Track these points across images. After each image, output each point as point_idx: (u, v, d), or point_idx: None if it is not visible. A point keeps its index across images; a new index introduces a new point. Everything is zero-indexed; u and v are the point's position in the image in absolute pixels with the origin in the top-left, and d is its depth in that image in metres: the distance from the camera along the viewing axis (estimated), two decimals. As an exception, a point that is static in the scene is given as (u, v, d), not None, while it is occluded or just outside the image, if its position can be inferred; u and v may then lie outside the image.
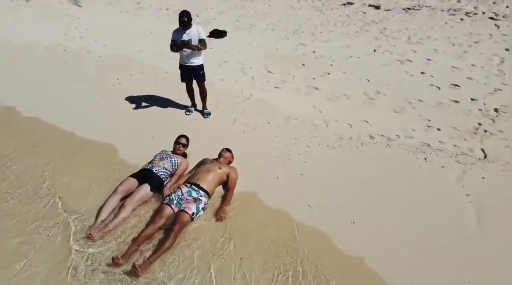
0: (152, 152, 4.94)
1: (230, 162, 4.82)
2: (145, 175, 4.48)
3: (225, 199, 4.29)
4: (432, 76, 6.87)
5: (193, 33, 5.47)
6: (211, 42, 8.97)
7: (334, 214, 4.11)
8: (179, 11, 5.59)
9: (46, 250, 3.78)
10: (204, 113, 6.03)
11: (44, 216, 4.19)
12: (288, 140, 5.32)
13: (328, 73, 7.18)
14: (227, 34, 9.29)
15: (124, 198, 4.27)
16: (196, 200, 4.10)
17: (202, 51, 5.64)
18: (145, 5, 11.81)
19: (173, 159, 4.72)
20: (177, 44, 5.45)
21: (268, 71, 7.37)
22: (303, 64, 7.59)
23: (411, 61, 7.49)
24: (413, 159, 4.86)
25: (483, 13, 9.70)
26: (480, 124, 5.47)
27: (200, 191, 4.20)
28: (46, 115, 6.21)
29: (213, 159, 4.75)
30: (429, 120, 5.61)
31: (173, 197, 4.13)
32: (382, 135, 5.33)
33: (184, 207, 4.01)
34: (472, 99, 6.08)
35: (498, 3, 10.12)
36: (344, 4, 10.94)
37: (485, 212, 4.01)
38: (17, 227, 4.06)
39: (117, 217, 4.05)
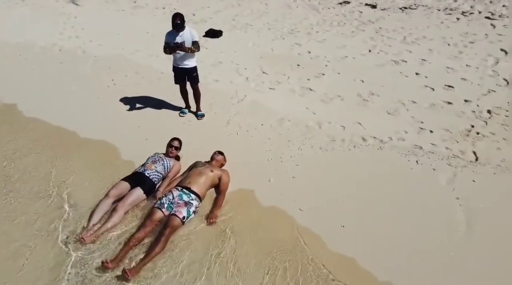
0: (145, 154, 4.98)
1: (222, 165, 4.84)
2: (137, 179, 4.50)
3: (216, 203, 4.31)
4: (426, 77, 6.87)
5: (186, 35, 5.47)
6: (207, 41, 8.98)
7: (325, 217, 4.15)
8: (175, 10, 5.59)
9: (37, 253, 3.80)
10: (198, 115, 6.04)
11: (37, 219, 4.22)
12: (281, 142, 5.34)
13: (323, 74, 7.18)
14: (223, 33, 9.26)
15: (116, 202, 4.30)
16: (187, 203, 4.13)
17: (196, 53, 5.64)
18: (142, 4, 11.76)
19: (165, 162, 4.74)
20: (170, 46, 5.45)
21: (263, 72, 7.37)
22: (298, 65, 7.58)
23: (406, 61, 7.48)
24: (405, 162, 4.88)
25: (480, 12, 9.67)
26: (472, 126, 5.49)
27: (191, 194, 4.23)
28: (40, 114, 6.24)
29: (205, 162, 4.77)
30: (422, 122, 5.62)
31: (164, 201, 4.15)
32: (374, 137, 5.34)
33: (175, 211, 4.04)
34: (466, 101, 6.09)
35: (494, 2, 10.09)
36: (340, 3, 10.91)
37: (474, 216, 4.04)
38: (11, 228, 4.10)
39: (109, 221, 4.08)
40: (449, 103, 6.06)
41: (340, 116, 5.86)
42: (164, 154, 4.90)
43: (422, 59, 7.52)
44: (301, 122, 5.75)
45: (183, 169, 4.86)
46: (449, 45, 8.10)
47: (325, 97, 6.41)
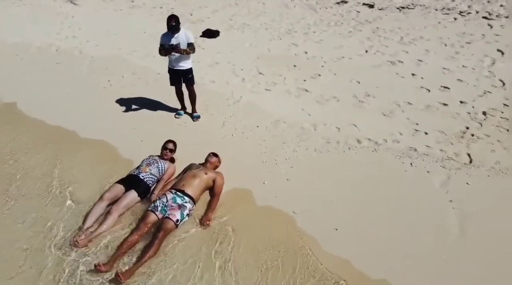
0: (141, 156, 5.00)
1: (216, 167, 4.85)
2: (131, 181, 4.51)
3: (210, 206, 4.32)
4: (422, 78, 6.88)
5: (182, 37, 5.47)
6: (204, 42, 8.98)
7: (318, 220, 4.16)
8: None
9: (33, 255, 3.82)
10: (194, 117, 6.04)
11: (34, 219, 4.25)
12: (276, 144, 5.35)
13: (319, 75, 7.18)
14: (220, 33, 9.25)
15: (110, 205, 4.30)
16: (181, 206, 4.14)
17: (191, 55, 5.64)
18: (139, 3, 11.75)
19: (160, 165, 4.75)
20: (165, 48, 5.45)
21: (259, 73, 7.37)
22: (295, 65, 7.58)
23: (402, 62, 7.49)
24: (399, 164, 4.89)
25: (477, 12, 9.67)
26: (467, 128, 5.50)
27: (185, 197, 4.24)
28: (36, 115, 6.28)
29: (199, 164, 4.78)
30: (417, 124, 5.63)
31: (158, 204, 4.16)
32: (369, 139, 5.35)
33: (168, 214, 4.05)
34: (461, 102, 6.10)
35: (492, 2, 10.09)
36: (338, 3, 10.90)
37: (467, 219, 4.05)
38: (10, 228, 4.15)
39: (103, 224, 4.09)
40: (445, 104, 6.06)
41: (336, 117, 5.87)
42: (159, 156, 4.90)
43: (419, 60, 7.52)
44: (297, 123, 5.75)
45: (178, 171, 4.87)
46: (445, 45, 8.11)
47: (320, 98, 6.42)
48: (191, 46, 5.51)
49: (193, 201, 4.28)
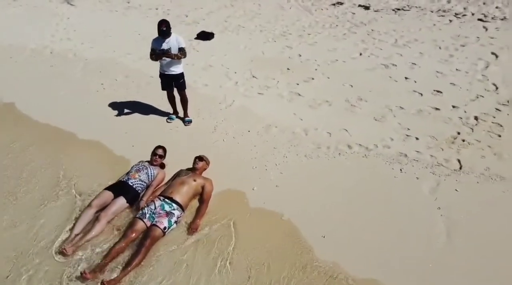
0: (131, 161, 5.03)
1: (205, 169, 4.84)
2: (120, 188, 4.51)
3: (198, 212, 4.32)
4: (415, 82, 6.87)
5: (173, 42, 5.46)
6: (199, 44, 8.97)
7: (306, 227, 4.15)
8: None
9: (17, 264, 3.82)
10: (185, 121, 6.04)
11: (18, 227, 4.25)
12: (266, 149, 5.35)
13: (312, 78, 7.17)
14: (215, 36, 9.24)
15: (99, 211, 4.30)
16: (169, 214, 4.14)
17: (183, 59, 5.63)
18: (135, 5, 11.72)
19: (149, 171, 4.75)
20: (156, 53, 5.45)
21: (253, 76, 7.36)
22: (288, 69, 7.57)
23: (396, 65, 7.47)
24: (389, 170, 4.89)
25: (473, 14, 9.65)
26: (458, 133, 5.49)
27: (173, 204, 4.24)
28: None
29: (188, 169, 4.77)
30: (408, 129, 5.63)
31: (146, 211, 4.17)
32: (360, 144, 5.35)
33: (156, 221, 4.05)
34: (453, 107, 6.09)
35: (488, 3, 10.07)
36: (334, 4, 10.88)
37: (455, 227, 4.05)
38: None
39: (91, 231, 4.09)
40: (437, 109, 6.06)
41: (327, 122, 5.86)
42: (148, 162, 4.90)
43: (412, 63, 7.51)
44: (288, 128, 5.75)
45: (167, 177, 4.87)
46: (440, 48, 8.09)
47: (313, 102, 6.41)
48: (182, 51, 5.50)
49: (182, 208, 4.28)
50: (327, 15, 10.26)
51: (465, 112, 5.95)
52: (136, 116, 6.28)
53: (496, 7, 9.88)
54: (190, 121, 6.03)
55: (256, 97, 6.69)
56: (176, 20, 10.36)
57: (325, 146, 5.36)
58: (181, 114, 6.17)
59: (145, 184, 4.66)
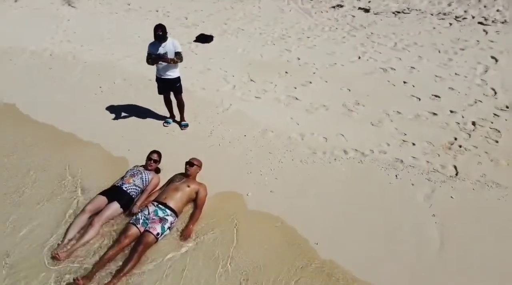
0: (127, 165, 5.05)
1: (198, 172, 4.81)
2: (114, 193, 4.51)
3: (192, 218, 4.32)
4: (413, 86, 6.84)
5: (169, 46, 5.46)
6: (197, 47, 8.97)
7: (299, 232, 4.14)
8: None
9: (10, 269, 3.83)
10: (182, 125, 6.04)
11: (22, 224, 4.30)
12: (262, 154, 5.34)
13: (310, 82, 7.16)
14: (214, 38, 9.24)
15: (93, 216, 4.31)
16: (162, 220, 4.13)
17: (179, 63, 5.63)
18: (135, 7, 11.74)
19: (144, 175, 4.75)
20: (152, 57, 5.45)
21: (250, 80, 7.35)
22: (286, 72, 7.56)
23: (394, 69, 7.45)
24: (384, 176, 4.86)
25: (473, 17, 9.61)
26: (455, 139, 5.46)
27: (167, 210, 4.23)
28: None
29: (182, 174, 4.75)
30: (405, 134, 5.60)
31: (140, 217, 4.17)
32: (356, 149, 5.33)
33: (149, 227, 4.05)
34: (451, 112, 6.06)
35: (488, 7, 10.01)
36: (334, 7, 10.85)
37: (449, 235, 4.02)
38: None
39: (84, 236, 4.09)
40: (434, 114, 6.02)
41: (324, 127, 5.84)
42: (143, 166, 4.90)
43: (411, 67, 7.48)
44: (284, 133, 5.73)
45: (162, 182, 4.87)
46: (439, 52, 8.06)
47: (310, 106, 6.39)
48: (178, 55, 5.50)
49: (175, 214, 4.28)
50: (327, 17, 10.24)
51: (462, 117, 5.92)
52: (133, 119, 6.29)
53: (497, 10, 9.82)
54: (186, 125, 6.03)
55: (253, 101, 6.69)
56: (175, 22, 10.39)
57: (321, 151, 5.34)
58: (178, 118, 6.17)
59: (139, 189, 4.66)
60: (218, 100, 6.69)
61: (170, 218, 4.19)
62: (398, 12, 10.23)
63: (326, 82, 7.17)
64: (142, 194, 4.63)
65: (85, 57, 8.64)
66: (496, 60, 7.53)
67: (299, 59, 8.09)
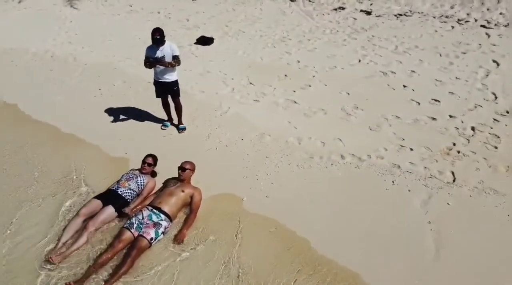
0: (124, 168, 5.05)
1: (191, 175, 4.79)
2: (109, 196, 4.51)
3: (186, 222, 4.31)
4: (413, 90, 6.80)
5: (167, 50, 5.47)
6: (198, 49, 8.98)
7: (293, 238, 4.11)
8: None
9: (8, 266, 3.85)
10: (179, 128, 6.04)
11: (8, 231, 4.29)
12: (258, 158, 5.32)
13: (309, 86, 7.13)
14: (214, 41, 9.24)
15: (87, 220, 4.31)
16: (156, 224, 4.13)
17: (177, 67, 5.64)
18: (137, 8, 11.78)
19: (139, 179, 4.75)
20: (150, 61, 5.46)
21: (250, 83, 7.34)
22: (286, 75, 7.54)
23: (394, 73, 7.40)
24: (381, 182, 4.83)
25: (476, 20, 9.53)
26: (454, 144, 5.41)
27: (161, 215, 4.23)
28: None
29: (176, 179, 4.73)
30: (403, 139, 5.56)
31: (134, 221, 4.16)
32: (353, 154, 5.30)
33: (143, 232, 4.04)
34: (451, 116, 6.01)
35: (491, 10, 9.92)
36: (335, 9, 10.81)
37: (444, 242, 3.98)
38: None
39: (78, 240, 4.09)
40: (433, 118, 5.98)
41: (321, 131, 5.82)
42: (139, 170, 4.90)
43: (412, 71, 7.43)
44: (281, 137, 5.71)
45: (158, 186, 4.86)
46: (440, 55, 8.00)
47: (308, 110, 6.37)
48: (176, 59, 5.51)
49: (170, 218, 4.27)
50: (328, 20, 10.20)
51: (462, 122, 5.86)
52: (131, 122, 6.29)
53: (500, 13, 9.73)
54: (184, 129, 6.03)
55: (252, 104, 6.67)
56: (177, 24, 10.42)
57: (318, 156, 5.32)
58: (175, 121, 6.17)
59: (134, 193, 4.66)
60: (216, 103, 6.69)
61: (164, 223, 4.18)
62: (400, 15, 10.17)
63: (326, 85, 7.15)
64: (138, 198, 4.63)
65: (85, 59, 8.68)
66: (498, 64, 7.46)
67: (299, 62, 8.07)
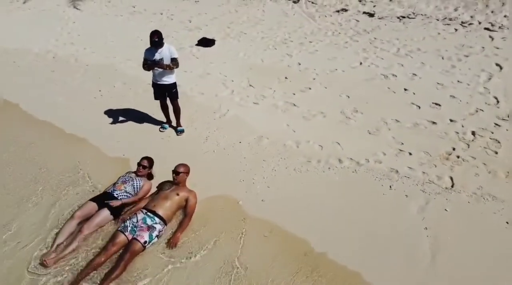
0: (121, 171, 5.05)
1: (186, 178, 4.76)
2: (105, 199, 4.51)
3: (180, 225, 4.30)
4: (414, 94, 6.74)
5: (165, 52, 5.47)
6: (199, 51, 8.97)
7: (289, 242, 4.09)
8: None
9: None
10: (178, 131, 6.03)
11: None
12: (256, 162, 5.30)
13: (309, 88, 7.10)
14: (216, 42, 9.23)
15: (82, 223, 4.31)
16: (150, 228, 4.12)
17: (176, 69, 5.63)
18: (140, 9, 11.79)
19: (135, 182, 4.75)
20: (148, 63, 5.46)
21: (250, 85, 7.32)
22: (286, 77, 7.51)
23: (396, 76, 7.34)
24: (378, 187, 4.79)
25: (479, 23, 9.42)
26: (454, 149, 5.35)
27: (156, 218, 4.22)
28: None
29: (171, 182, 4.72)
30: (402, 143, 5.51)
31: (128, 224, 4.16)
32: (351, 158, 5.26)
33: (137, 235, 4.04)
34: (451, 120, 5.94)
35: (496, 12, 9.81)
36: (338, 11, 10.76)
37: (440, 249, 3.94)
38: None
39: (72, 243, 4.09)
40: (433, 123, 5.92)
41: (320, 135, 5.78)
42: (135, 173, 4.90)
43: (413, 74, 7.37)
44: (280, 140, 5.69)
45: (153, 189, 4.85)
46: (442, 58, 7.92)
47: (307, 113, 6.33)
48: (174, 61, 5.51)
49: (164, 222, 4.26)
50: (331, 22, 10.14)
51: (462, 126, 5.80)
52: (130, 124, 6.30)
53: (505, 16, 9.61)
54: (182, 131, 6.02)
55: (251, 107, 6.65)
56: (179, 25, 10.42)
57: (315, 159, 5.29)
58: (174, 123, 6.16)
59: (130, 196, 4.66)
60: (216, 105, 6.67)
61: (158, 226, 4.17)
62: (403, 17, 10.09)
63: (326, 88, 7.11)
64: (132, 198, 4.62)
65: (87, 60, 8.71)
66: (501, 68, 7.38)
67: (299, 64, 8.03)
